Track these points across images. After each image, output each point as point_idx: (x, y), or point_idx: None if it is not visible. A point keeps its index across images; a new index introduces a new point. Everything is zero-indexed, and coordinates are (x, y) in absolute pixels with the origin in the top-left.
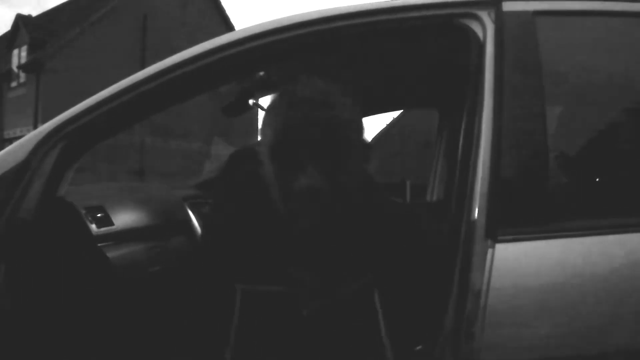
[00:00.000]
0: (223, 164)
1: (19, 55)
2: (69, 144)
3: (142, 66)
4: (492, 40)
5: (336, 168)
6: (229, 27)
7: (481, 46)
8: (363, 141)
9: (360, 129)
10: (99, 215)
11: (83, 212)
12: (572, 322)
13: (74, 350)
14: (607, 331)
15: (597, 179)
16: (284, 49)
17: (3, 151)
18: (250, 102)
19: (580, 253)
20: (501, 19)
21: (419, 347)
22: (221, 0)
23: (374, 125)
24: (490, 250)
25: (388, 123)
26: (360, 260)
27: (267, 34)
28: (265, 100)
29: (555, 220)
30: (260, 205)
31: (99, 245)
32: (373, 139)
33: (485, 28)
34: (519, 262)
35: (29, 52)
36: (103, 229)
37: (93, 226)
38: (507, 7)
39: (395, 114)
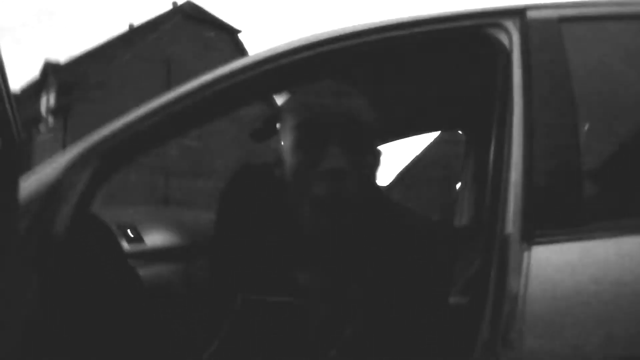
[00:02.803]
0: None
1: (47, 101)
2: (102, 163)
3: None
4: (518, 48)
5: (358, 149)
6: None
7: (508, 55)
8: (374, 124)
9: (372, 113)
10: (130, 233)
11: (115, 229)
12: (611, 323)
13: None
14: None
15: (631, 181)
16: (313, 66)
17: (37, 169)
18: (278, 126)
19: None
20: (526, 27)
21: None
22: (244, 44)
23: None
24: (526, 253)
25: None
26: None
27: (298, 50)
28: None
29: (589, 222)
30: (270, 215)
31: (130, 262)
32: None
33: (512, 37)
34: (556, 264)
35: (57, 97)
36: (134, 247)
37: (124, 244)
38: (531, 15)
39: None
